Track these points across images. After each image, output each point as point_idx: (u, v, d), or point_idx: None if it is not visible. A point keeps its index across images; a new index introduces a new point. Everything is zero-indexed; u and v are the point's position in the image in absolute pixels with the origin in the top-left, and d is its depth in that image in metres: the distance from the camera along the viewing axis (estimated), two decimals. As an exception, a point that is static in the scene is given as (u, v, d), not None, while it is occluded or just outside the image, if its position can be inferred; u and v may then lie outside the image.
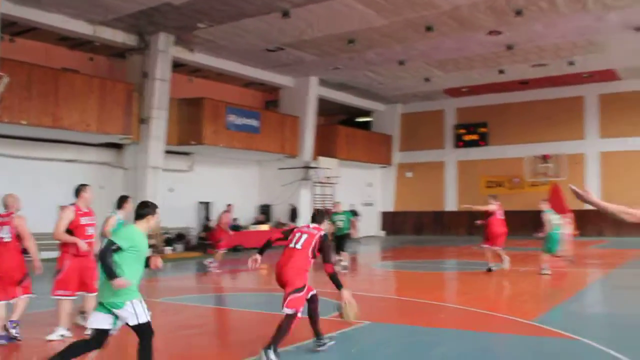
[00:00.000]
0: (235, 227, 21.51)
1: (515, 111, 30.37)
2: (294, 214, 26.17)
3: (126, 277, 4.44)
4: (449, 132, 32.26)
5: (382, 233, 32.85)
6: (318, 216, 6.52)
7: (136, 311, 4.50)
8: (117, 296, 4.47)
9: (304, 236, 6.24)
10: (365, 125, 33.97)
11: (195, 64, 22.52)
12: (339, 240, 14.56)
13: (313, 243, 6.15)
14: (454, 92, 30.26)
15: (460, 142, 31.81)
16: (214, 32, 19.27)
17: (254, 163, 26.97)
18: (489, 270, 13.69)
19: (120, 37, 19.13)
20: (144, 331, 4.51)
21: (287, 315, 5.85)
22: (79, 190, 7.43)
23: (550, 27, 19.23)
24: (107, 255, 4.36)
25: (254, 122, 23.48)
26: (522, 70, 25.41)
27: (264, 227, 24.48)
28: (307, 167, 26.37)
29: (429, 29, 18.87)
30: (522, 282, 11.97)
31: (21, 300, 6.94)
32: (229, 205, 16.56)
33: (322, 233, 6.28)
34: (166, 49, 19.79)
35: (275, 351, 5.64)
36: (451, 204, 31.75)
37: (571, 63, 24.02)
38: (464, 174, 31.60)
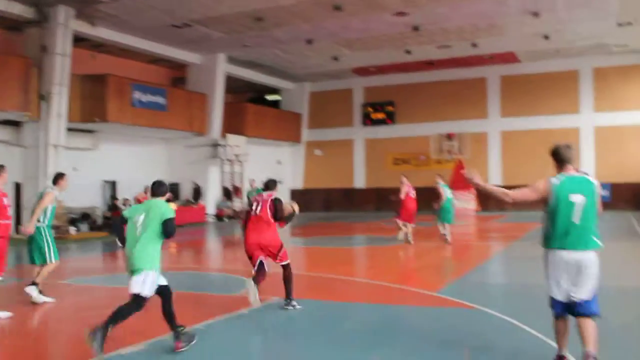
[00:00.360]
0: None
1: (421, 91, 31.02)
2: (196, 193, 26.25)
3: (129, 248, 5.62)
4: (357, 111, 32.63)
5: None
6: (270, 183, 7.75)
7: (145, 281, 5.48)
8: (138, 265, 5.48)
9: (260, 204, 7.48)
10: (274, 103, 34.00)
11: (98, 39, 22.24)
12: None
13: (268, 207, 7.43)
14: (362, 72, 30.56)
15: (368, 121, 32.30)
16: (118, 7, 19.02)
17: (162, 141, 26.74)
18: (408, 242, 14.97)
19: (16, 8, 18.69)
20: (137, 301, 5.37)
21: (286, 267, 7.40)
22: None
23: (454, 10, 19.92)
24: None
25: (160, 100, 23.39)
26: (428, 51, 26.11)
27: (172, 206, 25.02)
28: (216, 145, 26.48)
29: (337, 8, 19.15)
30: (427, 256, 12.55)
31: None
32: (147, 186, 15.22)
33: (273, 197, 7.55)
34: (66, 23, 19.39)
35: (292, 300, 7.39)
36: (360, 181, 32.06)
37: (474, 45, 24.89)
38: (372, 151, 32.03)
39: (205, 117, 26.41)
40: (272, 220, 7.38)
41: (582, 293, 4.80)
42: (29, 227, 7.94)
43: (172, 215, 5.58)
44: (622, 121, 27.68)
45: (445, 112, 30.50)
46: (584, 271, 4.79)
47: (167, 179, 26.11)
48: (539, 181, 4.88)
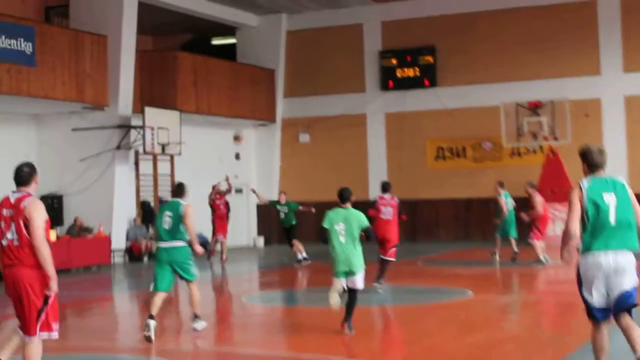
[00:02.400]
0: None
1: (483, 28, 30.83)
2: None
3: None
4: (371, 65, 32.47)
5: (260, 240, 33.41)
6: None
7: (362, 278, 11.38)
8: (354, 266, 11.28)
9: (390, 208, 16.17)
10: (227, 52, 34.04)
11: None
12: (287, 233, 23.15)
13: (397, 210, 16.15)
14: (381, -7, 31.10)
15: (390, 82, 32.02)
16: None
17: (29, 119, 26.84)
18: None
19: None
20: (355, 293, 11.32)
21: (389, 262, 16.30)
22: None
23: None
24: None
25: (24, 46, 23.21)
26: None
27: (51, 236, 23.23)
28: (125, 127, 26.40)
29: None
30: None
31: None
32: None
33: (397, 201, 16.28)
34: None
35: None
36: (379, 190, 30.48)
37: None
38: (398, 135, 32.07)
39: (105, 78, 25.97)
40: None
41: (622, 286, 6.99)
42: (199, 247, 12.28)
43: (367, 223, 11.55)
44: None
45: (525, 64, 30.05)
46: (621, 273, 6.99)
47: (39, 189, 24.26)
48: (571, 193, 7.24)
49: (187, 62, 29.04)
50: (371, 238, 11.46)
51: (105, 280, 23.10)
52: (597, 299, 6.96)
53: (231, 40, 34.31)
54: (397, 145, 31.89)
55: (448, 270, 21.45)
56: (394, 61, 31.79)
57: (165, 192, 27.94)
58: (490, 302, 15.45)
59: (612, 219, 6.97)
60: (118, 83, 25.99)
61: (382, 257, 16.07)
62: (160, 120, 26.40)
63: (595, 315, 7.04)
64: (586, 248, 7.04)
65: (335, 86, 32.56)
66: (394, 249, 16.20)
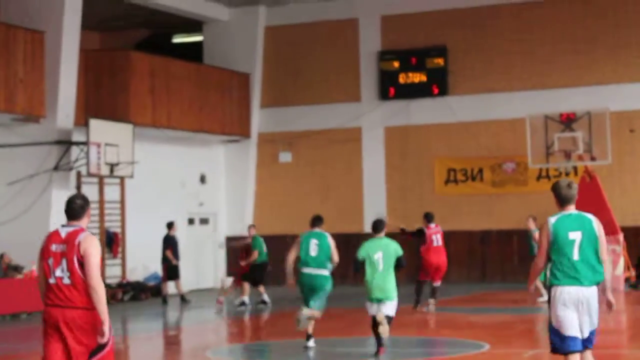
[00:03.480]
0: None
1: (505, 24, 31.03)
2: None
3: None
4: (368, 68, 32.63)
5: (228, 281, 33.07)
6: (430, 216, 21.17)
7: (395, 305, 14.65)
8: (389, 292, 14.52)
9: (439, 235, 21.48)
10: (192, 52, 34.21)
11: None
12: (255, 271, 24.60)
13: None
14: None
15: (391, 89, 32.10)
16: None
17: None
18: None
19: None
20: (391, 318, 14.42)
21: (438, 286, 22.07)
22: None
23: None
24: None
25: None
26: None
27: None
28: (66, 143, 26.46)
29: None
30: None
31: None
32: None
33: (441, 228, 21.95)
34: None
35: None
36: (369, 221, 31.59)
37: None
38: (401, 153, 32.22)
39: (41, 83, 26.01)
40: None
41: (590, 325, 8.66)
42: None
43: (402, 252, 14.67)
44: None
45: (557, 69, 30.29)
46: (586, 306, 8.59)
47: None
48: (540, 229, 9.05)
49: (142, 63, 28.91)
50: (403, 266, 14.40)
51: (37, 330, 22.31)
52: (570, 330, 8.52)
53: (197, 38, 34.52)
54: (399, 166, 31.82)
55: (461, 318, 21.41)
56: (396, 64, 31.79)
57: (113, 223, 28.35)
58: (511, 357, 15.35)
59: (576, 255, 8.49)
60: (57, 89, 25.75)
61: (435, 284, 21.26)
62: (108, 135, 26.23)
63: (570, 345, 8.55)
64: (553, 283, 8.57)
65: (324, 94, 32.56)
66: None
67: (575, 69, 30.01)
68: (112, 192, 27.57)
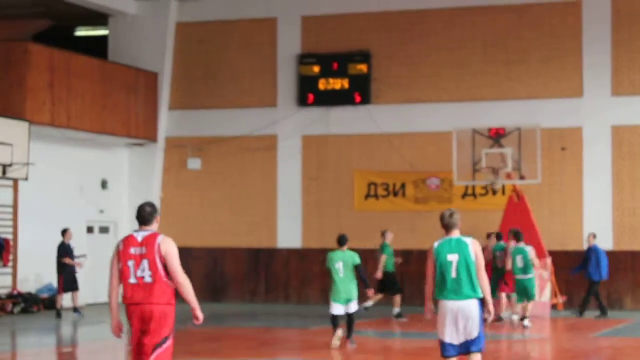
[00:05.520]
0: None
1: (433, 30, 31.46)
2: None
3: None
4: (286, 72, 32.99)
5: None
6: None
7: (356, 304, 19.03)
8: (351, 294, 18.70)
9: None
10: (96, 47, 34.15)
11: None
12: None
13: None
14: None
15: (310, 95, 32.44)
16: None
17: None
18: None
19: None
20: (352, 315, 18.60)
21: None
22: None
23: None
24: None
25: None
26: None
27: None
28: None
29: None
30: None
31: None
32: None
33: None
34: None
35: None
36: (291, 236, 33.04)
37: None
38: (319, 165, 32.69)
39: None
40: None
41: (472, 334, 10.68)
42: None
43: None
44: None
45: (487, 80, 30.90)
46: (468, 315, 10.64)
47: None
48: (428, 253, 11.03)
49: (41, 57, 28.81)
50: (362, 274, 18.08)
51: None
52: (448, 337, 10.59)
53: (102, 32, 34.52)
54: (317, 177, 32.18)
55: (376, 343, 21.52)
56: (317, 69, 32.15)
57: (5, 228, 27.86)
58: None
59: (454, 274, 10.60)
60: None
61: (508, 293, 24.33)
62: (1, 133, 26.15)
63: (447, 351, 10.65)
64: (437, 297, 10.70)
65: (237, 98, 32.93)
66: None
67: (506, 81, 30.61)
68: (4, 196, 27.35)
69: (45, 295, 28.65)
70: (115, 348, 23.40)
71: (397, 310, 25.19)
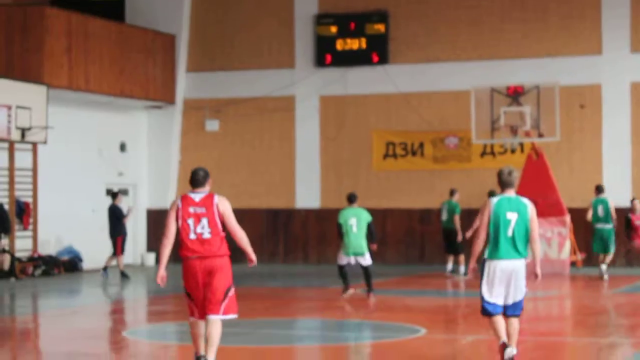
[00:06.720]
0: None
1: None
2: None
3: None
4: (303, 33, 32.96)
5: (150, 257, 33.55)
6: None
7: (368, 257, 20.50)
8: (363, 248, 20.26)
9: None
10: (113, 10, 33.93)
11: None
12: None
13: None
14: None
15: (327, 55, 32.48)
16: None
17: None
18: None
19: None
20: (367, 268, 20.15)
21: None
22: None
23: None
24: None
25: None
26: None
27: None
28: None
29: None
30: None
31: None
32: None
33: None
34: None
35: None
36: (310, 196, 32.98)
37: None
38: (336, 125, 32.68)
39: None
40: None
41: (518, 296, 10.98)
42: None
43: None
44: None
45: (505, 38, 30.85)
46: (518, 276, 10.93)
47: None
48: (482, 206, 11.20)
49: (58, 21, 28.78)
50: (373, 231, 19.68)
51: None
52: (494, 297, 10.82)
53: None
54: (335, 138, 32.24)
55: (396, 301, 21.58)
56: (334, 29, 32.04)
57: (24, 192, 28.16)
58: (449, 343, 15.60)
59: (510, 232, 10.75)
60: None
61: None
62: (19, 97, 26.36)
63: (489, 310, 10.88)
64: (489, 256, 10.81)
65: (255, 59, 32.83)
66: None
67: (524, 39, 30.45)
68: (23, 159, 27.50)
69: (65, 258, 28.96)
70: (134, 308, 23.77)
71: (462, 268, 25.82)
